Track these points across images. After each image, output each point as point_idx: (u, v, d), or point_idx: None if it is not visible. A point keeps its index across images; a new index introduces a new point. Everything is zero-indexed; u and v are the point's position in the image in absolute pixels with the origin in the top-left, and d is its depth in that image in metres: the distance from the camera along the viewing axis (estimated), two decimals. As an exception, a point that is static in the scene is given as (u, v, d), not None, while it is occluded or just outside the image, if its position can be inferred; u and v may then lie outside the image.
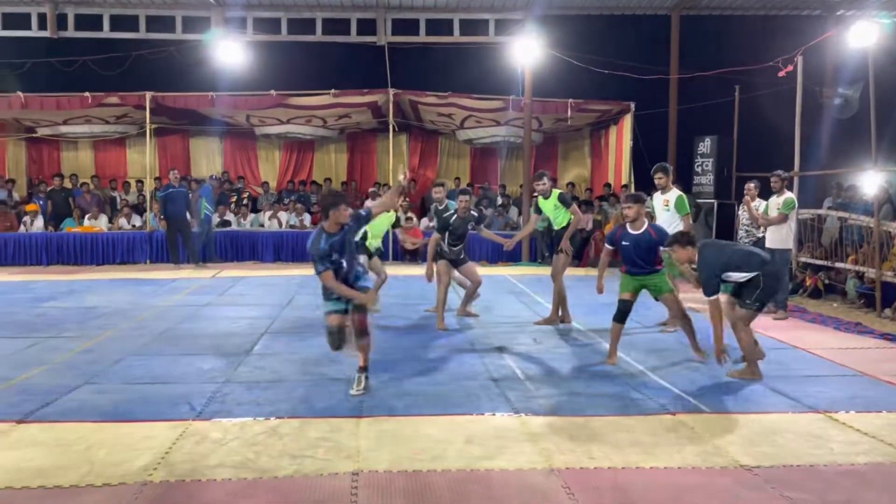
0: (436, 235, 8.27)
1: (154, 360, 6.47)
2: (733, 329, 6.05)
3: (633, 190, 15.35)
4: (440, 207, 8.73)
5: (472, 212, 8.46)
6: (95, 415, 4.91)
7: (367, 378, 5.55)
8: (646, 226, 6.65)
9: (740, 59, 13.72)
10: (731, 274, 5.92)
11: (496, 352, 6.92)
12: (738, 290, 6.06)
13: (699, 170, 14.41)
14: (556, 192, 8.30)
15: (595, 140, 18.14)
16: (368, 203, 16.27)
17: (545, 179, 8.27)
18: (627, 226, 6.72)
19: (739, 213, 10.09)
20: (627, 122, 15.42)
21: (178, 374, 6.02)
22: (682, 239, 6.14)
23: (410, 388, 5.61)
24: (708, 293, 5.91)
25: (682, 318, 6.81)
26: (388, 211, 8.34)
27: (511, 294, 10.72)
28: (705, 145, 14.39)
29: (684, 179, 14.04)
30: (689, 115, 15.11)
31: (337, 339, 5.51)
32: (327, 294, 5.53)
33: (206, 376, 5.95)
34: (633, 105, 15.23)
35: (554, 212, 8.28)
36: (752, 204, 9.50)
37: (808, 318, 9.09)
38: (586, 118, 16.64)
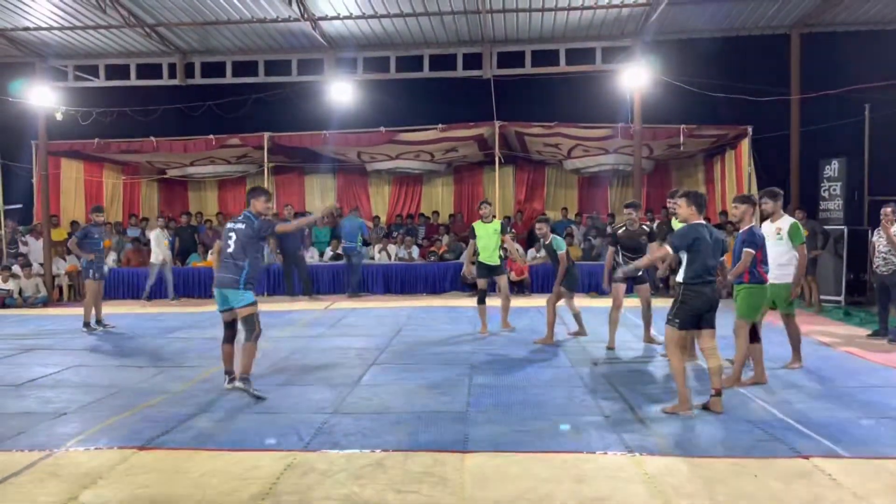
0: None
1: (267, 391, 6.61)
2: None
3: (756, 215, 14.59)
4: (545, 242, 9.13)
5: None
6: (209, 443, 5.06)
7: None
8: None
9: (869, 76, 12.85)
10: (683, 256, 5.81)
11: (608, 386, 6.64)
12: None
13: (826, 194, 13.53)
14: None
15: (709, 166, 17.45)
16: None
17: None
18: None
19: (874, 239, 9.33)
20: (745, 146, 14.73)
21: (289, 405, 6.12)
22: (694, 198, 5.92)
23: (518, 423, 5.44)
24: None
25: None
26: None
27: (624, 327, 10.32)
28: (832, 168, 13.52)
29: (809, 205, 13.26)
30: (812, 137, 14.27)
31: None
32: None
33: (315, 407, 6.03)
34: (750, 129, 14.55)
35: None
36: (893, 229, 8.76)
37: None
38: (700, 144, 16.04)
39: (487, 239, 9.68)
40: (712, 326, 5.81)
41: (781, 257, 7.08)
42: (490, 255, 9.72)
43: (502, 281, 10.01)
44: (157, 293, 14.94)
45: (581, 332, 9.48)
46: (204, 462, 4.67)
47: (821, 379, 6.82)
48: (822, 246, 12.25)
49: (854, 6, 13.52)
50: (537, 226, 9.53)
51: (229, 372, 6.64)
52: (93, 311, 10.96)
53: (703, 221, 5.94)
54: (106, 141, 16.18)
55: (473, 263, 10.19)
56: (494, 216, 10.26)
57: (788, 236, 7.10)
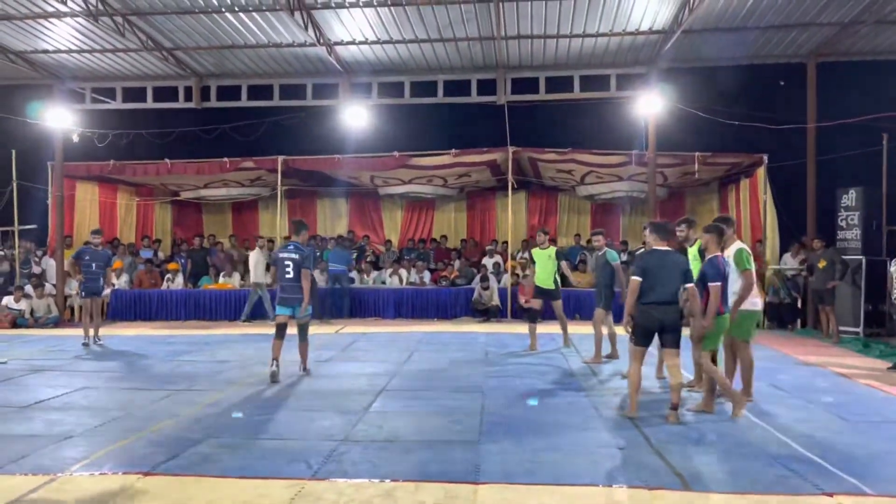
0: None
1: (275, 416, 6.54)
2: None
3: (771, 244, 14.46)
4: (600, 254, 9.49)
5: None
6: (216, 469, 4.95)
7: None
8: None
9: (887, 105, 12.74)
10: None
11: (623, 417, 6.49)
12: None
13: (843, 224, 13.37)
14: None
15: (724, 194, 17.34)
16: (486, 260, 16.26)
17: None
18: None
19: (892, 270, 9.18)
20: (761, 174, 14.63)
21: (298, 431, 6.02)
22: (655, 227, 6.61)
23: (531, 454, 5.31)
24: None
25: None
26: None
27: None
28: (850, 197, 13.37)
29: (827, 234, 13.11)
30: (829, 166, 14.16)
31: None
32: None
33: (324, 434, 5.92)
34: (765, 157, 14.46)
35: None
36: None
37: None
38: (715, 172, 15.96)
39: (543, 264, 10.19)
40: (673, 346, 6.29)
41: (734, 284, 6.89)
42: (545, 280, 10.17)
43: (557, 305, 10.37)
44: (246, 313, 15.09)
45: (613, 354, 9.47)
46: (210, 489, 4.57)
47: (842, 412, 6.65)
48: (840, 276, 12.07)
49: (871, 35, 13.48)
50: (594, 238, 9.91)
51: (276, 358, 8.27)
52: (91, 329, 11.53)
53: (667, 248, 6.40)
54: (121, 163, 16.31)
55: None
56: (553, 241, 11.31)
57: (734, 262, 6.92)
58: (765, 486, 4.61)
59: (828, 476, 4.80)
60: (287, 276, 8.26)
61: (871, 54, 14.41)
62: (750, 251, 7.11)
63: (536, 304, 10.47)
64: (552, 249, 10.31)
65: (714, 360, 6.75)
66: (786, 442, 5.64)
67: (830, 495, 4.45)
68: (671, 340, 6.29)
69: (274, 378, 8.12)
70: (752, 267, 6.95)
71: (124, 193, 18.50)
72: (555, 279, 10.19)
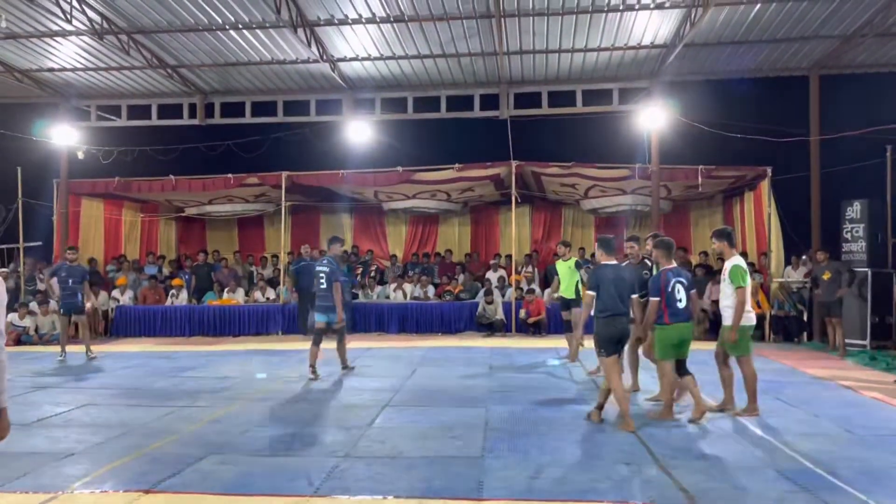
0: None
1: (278, 432, 6.50)
2: None
3: (776, 257, 14.42)
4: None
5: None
6: (218, 486, 4.92)
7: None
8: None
9: (890, 117, 12.74)
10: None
11: (631, 432, 6.43)
12: None
13: (848, 236, 13.32)
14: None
15: (728, 207, 17.30)
16: (490, 274, 16.24)
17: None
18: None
19: (900, 282, 9.13)
20: (765, 187, 14.60)
21: (300, 447, 5.99)
22: (601, 242, 6.87)
23: (534, 470, 5.26)
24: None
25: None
26: None
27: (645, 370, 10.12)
28: (854, 210, 13.32)
29: (832, 246, 13.05)
30: (833, 178, 14.14)
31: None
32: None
33: (326, 450, 5.88)
34: (769, 170, 14.45)
35: None
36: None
37: None
38: (718, 185, 15.93)
39: (565, 275, 10.49)
40: (617, 354, 6.65)
41: (727, 298, 7.04)
42: (568, 290, 10.44)
43: (577, 313, 10.32)
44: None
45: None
46: (211, 507, 4.54)
47: (849, 426, 6.58)
48: (848, 284, 12.00)
49: (873, 48, 13.51)
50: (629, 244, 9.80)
51: (313, 365, 9.36)
52: (88, 344, 11.95)
53: (613, 262, 6.73)
54: (126, 180, 16.37)
55: (556, 299, 11.17)
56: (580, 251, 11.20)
57: (729, 278, 7.00)
58: (772, 502, 4.56)
59: (836, 491, 4.75)
60: (321, 286, 9.44)
61: (873, 67, 14.43)
62: (746, 267, 7.10)
63: (566, 315, 10.74)
64: (573, 260, 10.59)
65: (680, 371, 6.98)
66: (793, 456, 5.58)
67: (839, 511, 4.39)
68: (621, 350, 6.74)
69: (315, 377, 9.28)
70: (748, 284, 6.95)
71: (129, 210, 18.56)
72: (576, 289, 10.32)
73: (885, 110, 13.43)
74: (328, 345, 9.89)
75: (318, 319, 9.50)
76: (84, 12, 11.95)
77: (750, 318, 7.09)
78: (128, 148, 16.29)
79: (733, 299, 6.92)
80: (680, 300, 6.87)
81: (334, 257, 9.75)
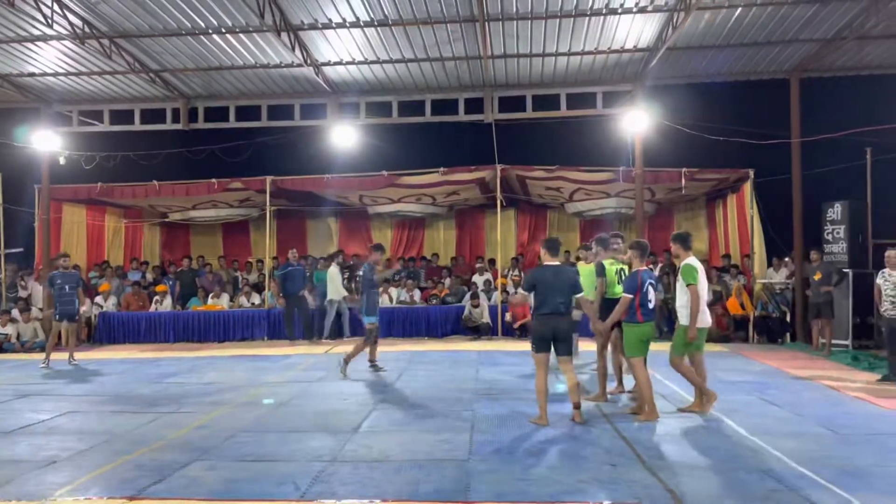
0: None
1: (264, 437, 6.47)
2: None
3: (759, 259, 14.54)
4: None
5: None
6: (203, 492, 4.89)
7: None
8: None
9: (870, 120, 12.90)
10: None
11: (614, 433, 6.47)
12: None
13: (830, 237, 13.47)
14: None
15: (711, 209, 17.45)
16: (476, 278, 16.26)
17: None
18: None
19: (879, 282, 9.24)
20: (747, 189, 14.74)
21: (286, 452, 5.96)
22: (545, 243, 7.14)
23: (521, 472, 5.27)
24: None
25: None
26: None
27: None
28: (835, 211, 13.48)
29: (815, 247, 13.14)
30: (815, 180, 14.26)
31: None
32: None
33: (313, 454, 5.86)
34: (752, 172, 14.57)
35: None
36: (896, 272, 8.76)
37: (973, 399, 8.02)
38: (701, 187, 16.05)
39: (586, 279, 10.04)
40: (565, 354, 6.85)
41: (681, 298, 7.28)
42: (589, 293, 10.11)
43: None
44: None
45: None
46: (196, 513, 4.51)
47: (832, 425, 6.65)
48: (835, 284, 12.11)
49: (853, 51, 13.65)
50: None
51: (372, 360, 10.42)
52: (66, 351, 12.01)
53: (556, 264, 6.99)
54: (109, 185, 16.23)
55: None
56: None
57: (682, 276, 7.23)
58: (757, 501, 4.60)
59: (819, 490, 4.79)
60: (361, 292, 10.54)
61: (853, 69, 14.59)
62: (698, 267, 7.24)
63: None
64: (594, 265, 10.22)
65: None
66: (777, 456, 5.63)
67: (822, 509, 4.44)
68: (563, 349, 6.84)
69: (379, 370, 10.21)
70: (699, 282, 7.11)
71: (112, 216, 18.41)
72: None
73: (865, 112, 13.60)
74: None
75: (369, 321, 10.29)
76: (65, 16, 11.85)
77: (705, 320, 7.25)
78: (110, 153, 16.16)
79: (688, 298, 7.12)
80: (650, 300, 7.14)
81: (373, 263, 10.30)
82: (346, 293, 14.90)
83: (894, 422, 6.93)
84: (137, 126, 16.28)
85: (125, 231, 18.74)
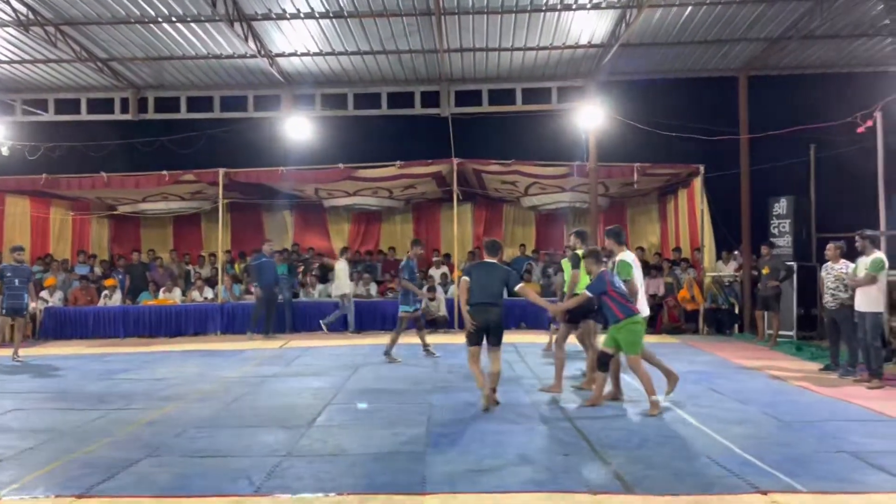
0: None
1: (216, 433, 6.39)
2: None
3: (708, 252, 14.86)
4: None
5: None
6: (154, 489, 4.81)
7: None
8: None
9: (814, 117, 13.31)
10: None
11: (567, 422, 6.57)
12: None
13: (776, 231, 13.87)
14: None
15: (663, 204, 17.78)
16: (433, 271, 16.29)
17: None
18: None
19: (823, 275, 9.55)
20: (698, 184, 15.06)
21: (240, 447, 5.90)
22: (485, 243, 7.70)
23: (476, 463, 5.32)
24: None
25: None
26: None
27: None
28: (781, 206, 13.89)
29: (761, 241, 13.50)
30: (762, 175, 14.66)
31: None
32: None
33: (267, 449, 5.81)
34: (702, 168, 14.89)
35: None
36: (837, 266, 9.07)
37: (907, 387, 8.37)
38: (654, 182, 16.35)
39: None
40: (496, 345, 7.15)
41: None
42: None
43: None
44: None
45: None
46: (147, 510, 4.43)
47: (777, 413, 6.86)
48: (782, 279, 12.47)
49: (798, 51, 14.07)
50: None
51: (426, 345, 11.09)
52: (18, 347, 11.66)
53: (493, 261, 7.39)
54: (54, 177, 15.75)
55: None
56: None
57: (617, 272, 7.40)
58: (703, 487, 4.72)
59: (763, 475, 4.95)
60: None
61: (798, 68, 15.03)
62: (630, 261, 7.44)
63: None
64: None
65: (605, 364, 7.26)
66: (724, 443, 5.79)
67: (765, 493, 4.58)
68: (494, 340, 7.15)
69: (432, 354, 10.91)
70: (633, 276, 7.35)
71: (58, 208, 17.90)
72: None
73: (809, 110, 14.02)
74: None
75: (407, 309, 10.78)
76: (8, 2, 11.48)
77: (644, 310, 7.50)
78: (56, 144, 15.71)
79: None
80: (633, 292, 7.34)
81: (414, 257, 10.83)
82: (352, 289, 14.83)
83: (833, 409, 7.18)
84: (84, 116, 15.88)
85: (72, 224, 18.24)
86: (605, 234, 7.83)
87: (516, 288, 7.30)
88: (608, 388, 7.54)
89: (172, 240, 18.95)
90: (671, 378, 7.43)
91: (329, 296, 15.91)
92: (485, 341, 7.19)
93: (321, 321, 14.72)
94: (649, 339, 8.67)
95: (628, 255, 7.56)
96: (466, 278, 7.26)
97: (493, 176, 16.19)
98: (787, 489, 4.66)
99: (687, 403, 7.28)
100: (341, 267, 14.87)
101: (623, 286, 7.23)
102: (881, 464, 5.17)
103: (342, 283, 14.75)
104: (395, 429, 6.43)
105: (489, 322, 7.07)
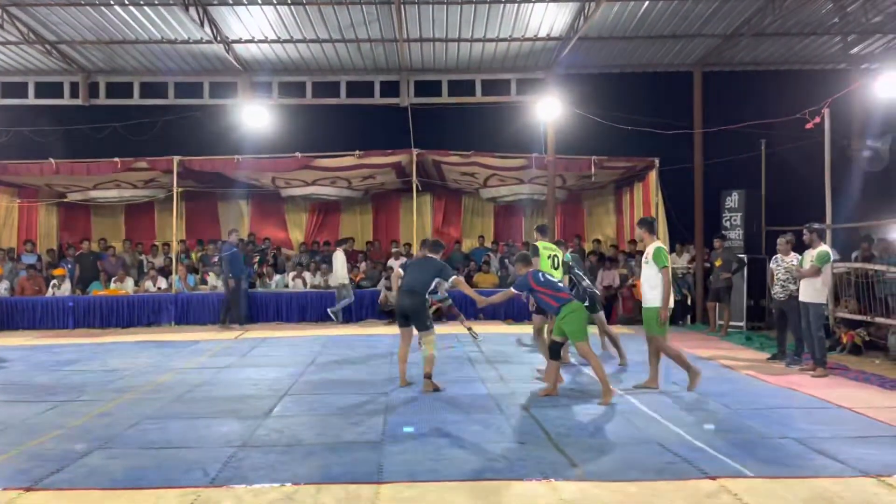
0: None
1: (170, 424, 6.30)
2: None
3: (662, 244, 15.12)
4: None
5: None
6: (106, 481, 4.73)
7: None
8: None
9: (765, 113, 13.62)
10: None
11: (524, 412, 6.65)
12: None
13: (728, 224, 14.18)
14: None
15: (619, 196, 18.01)
16: (392, 262, 16.26)
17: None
18: None
19: (772, 266, 9.81)
20: (653, 177, 15.29)
21: (194, 439, 5.83)
22: (425, 242, 8.40)
23: (433, 452, 5.35)
24: None
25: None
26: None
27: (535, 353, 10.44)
28: (733, 199, 14.20)
29: (713, 234, 13.78)
30: (715, 169, 14.96)
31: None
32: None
33: (222, 440, 5.76)
34: (657, 161, 15.13)
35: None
36: (788, 258, 9.33)
37: (850, 375, 8.66)
38: (610, 175, 16.55)
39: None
40: (422, 329, 7.65)
41: (651, 280, 7.63)
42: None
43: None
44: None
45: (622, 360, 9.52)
46: (98, 502, 4.35)
47: (725, 401, 7.05)
48: (734, 271, 12.76)
49: (750, 47, 14.37)
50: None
51: (470, 329, 11.28)
52: None
53: (431, 257, 7.93)
54: (0, 162, 15.25)
55: None
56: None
57: (653, 260, 7.60)
58: (655, 473, 4.84)
59: (712, 461, 5.08)
60: None
61: (751, 64, 15.37)
62: (665, 250, 7.74)
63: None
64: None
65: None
66: (676, 431, 5.92)
67: (714, 479, 4.71)
68: (417, 325, 7.70)
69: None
70: (669, 263, 7.62)
71: (4, 195, 17.32)
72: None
73: (761, 105, 14.35)
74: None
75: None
76: (-50, -20, 11.07)
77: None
78: (2, 129, 15.20)
79: (657, 280, 7.49)
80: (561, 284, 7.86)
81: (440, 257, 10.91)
82: (347, 278, 14.74)
83: (781, 397, 7.41)
84: (32, 100, 15.41)
85: (18, 211, 17.67)
86: (637, 225, 8.24)
87: (451, 279, 7.84)
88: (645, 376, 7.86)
89: (125, 229, 18.49)
90: (692, 373, 7.55)
91: (286, 286, 15.78)
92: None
93: (329, 310, 14.65)
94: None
95: (662, 244, 7.85)
96: (400, 270, 7.98)
97: (452, 167, 16.20)
98: (735, 474, 4.80)
99: (641, 393, 7.42)
100: (339, 257, 14.75)
101: (549, 279, 7.50)
102: (824, 449, 5.36)
103: (340, 272, 14.65)
104: (351, 419, 6.43)
105: (405, 308, 7.68)
